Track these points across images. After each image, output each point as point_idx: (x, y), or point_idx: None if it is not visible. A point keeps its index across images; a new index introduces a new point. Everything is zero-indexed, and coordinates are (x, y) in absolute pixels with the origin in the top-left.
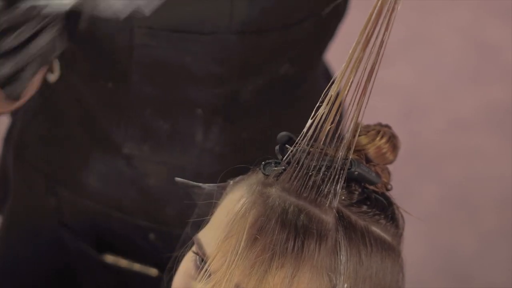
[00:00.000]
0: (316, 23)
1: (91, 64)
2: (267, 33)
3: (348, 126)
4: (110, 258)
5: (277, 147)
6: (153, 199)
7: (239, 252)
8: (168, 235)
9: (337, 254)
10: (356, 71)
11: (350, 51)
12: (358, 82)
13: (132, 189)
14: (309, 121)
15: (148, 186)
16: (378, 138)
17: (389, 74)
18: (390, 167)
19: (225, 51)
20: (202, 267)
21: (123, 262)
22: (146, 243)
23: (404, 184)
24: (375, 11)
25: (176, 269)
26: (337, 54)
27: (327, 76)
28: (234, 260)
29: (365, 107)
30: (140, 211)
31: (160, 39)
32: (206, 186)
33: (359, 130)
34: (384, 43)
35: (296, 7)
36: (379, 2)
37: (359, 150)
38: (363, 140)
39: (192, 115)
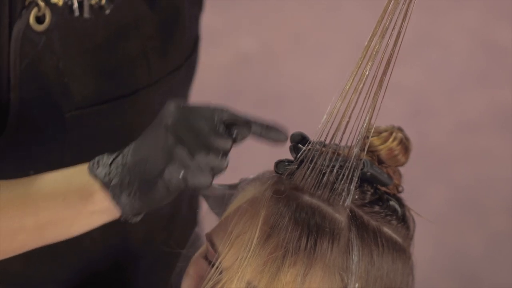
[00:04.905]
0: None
1: (17, 156)
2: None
3: (361, 126)
4: None
5: (290, 146)
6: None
7: (251, 249)
8: None
9: (349, 254)
10: (372, 63)
11: (366, 42)
12: (372, 79)
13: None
14: (324, 117)
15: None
16: (390, 140)
17: (397, 75)
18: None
19: (146, 103)
20: (213, 264)
21: None
22: None
23: (412, 185)
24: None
25: (185, 268)
26: (346, 55)
27: None
28: (246, 257)
29: (381, 103)
30: None
31: (90, 115)
32: (217, 186)
33: (372, 130)
34: (403, 32)
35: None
36: None
37: (371, 152)
38: (376, 141)
39: None
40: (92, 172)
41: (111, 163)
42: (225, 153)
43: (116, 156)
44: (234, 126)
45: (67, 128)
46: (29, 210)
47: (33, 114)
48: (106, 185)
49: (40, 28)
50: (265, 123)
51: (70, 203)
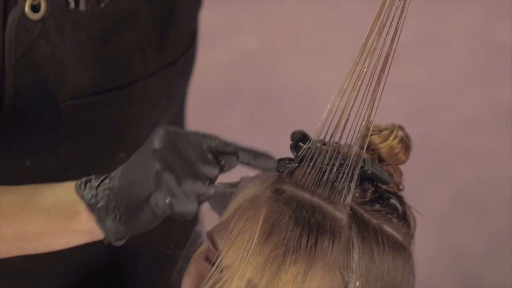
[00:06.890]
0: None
1: (12, 147)
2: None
3: (361, 123)
4: None
5: (291, 144)
6: None
7: (252, 247)
8: None
9: (350, 252)
10: (370, 60)
11: (364, 40)
12: (371, 75)
13: None
14: (324, 115)
15: None
16: (391, 138)
17: (399, 73)
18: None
19: (142, 95)
20: (214, 263)
21: None
22: None
23: (413, 184)
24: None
25: (185, 267)
26: (346, 54)
27: None
28: (247, 255)
29: (379, 100)
30: None
31: (86, 106)
32: (218, 184)
33: (371, 128)
34: (399, 31)
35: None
36: None
37: (372, 150)
38: (376, 139)
39: (114, 161)
40: (79, 192)
41: (98, 186)
42: (212, 181)
43: (104, 179)
44: (222, 155)
45: (62, 118)
46: (12, 221)
47: (28, 103)
48: (92, 207)
49: (35, 16)
50: (253, 151)
51: (55, 219)
